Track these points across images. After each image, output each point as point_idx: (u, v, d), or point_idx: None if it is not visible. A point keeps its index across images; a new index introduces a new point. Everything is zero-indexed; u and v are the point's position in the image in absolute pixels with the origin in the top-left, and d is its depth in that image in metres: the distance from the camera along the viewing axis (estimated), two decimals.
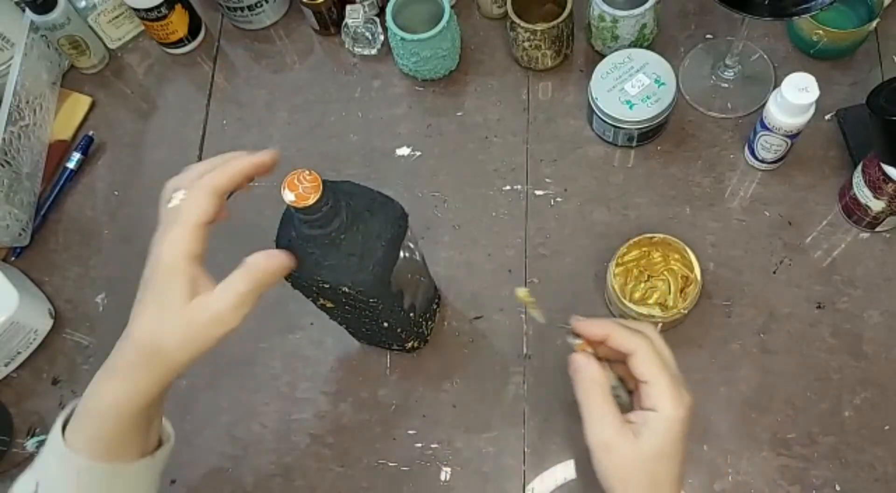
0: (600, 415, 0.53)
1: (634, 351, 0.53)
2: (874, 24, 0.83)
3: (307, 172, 0.52)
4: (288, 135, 0.93)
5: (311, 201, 0.52)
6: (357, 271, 0.57)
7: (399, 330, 0.72)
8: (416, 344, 0.78)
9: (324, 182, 0.53)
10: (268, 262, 0.53)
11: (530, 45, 0.87)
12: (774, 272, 0.80)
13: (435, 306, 0.80)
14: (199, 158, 0.92)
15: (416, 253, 0.69)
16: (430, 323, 0.79)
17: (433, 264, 0.81)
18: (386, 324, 0.68)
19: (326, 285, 0.58)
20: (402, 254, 0.62)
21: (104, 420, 0.53)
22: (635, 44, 0.87)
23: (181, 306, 0.50)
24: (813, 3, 0.70)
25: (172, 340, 0.51)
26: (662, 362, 0.54)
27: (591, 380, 0.54)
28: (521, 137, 0.89)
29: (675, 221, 0.83)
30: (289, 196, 0.51)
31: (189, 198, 0.52)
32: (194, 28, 0.98)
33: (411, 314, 0.71)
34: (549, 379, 0.78)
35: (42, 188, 0.93)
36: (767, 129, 0.77)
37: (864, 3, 0.86)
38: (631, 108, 0.81)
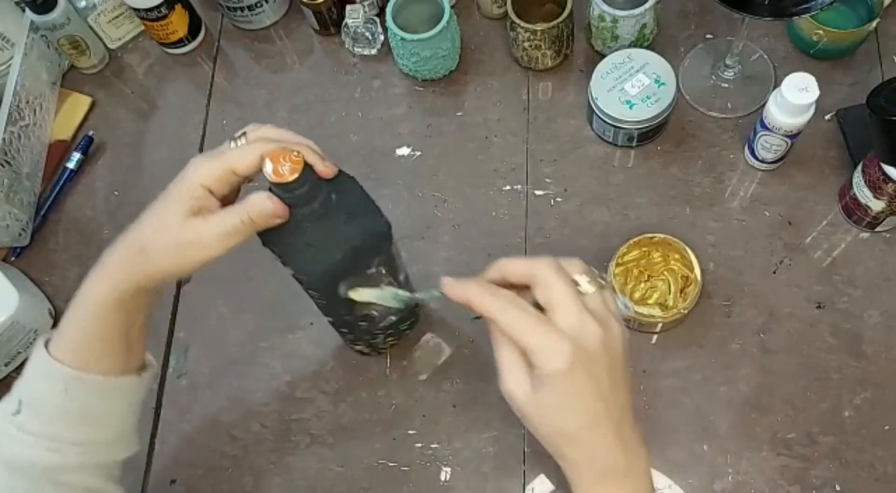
0: (506, 366, 0.51)
1: (494, 320, 0.50)
2: (874, 24, 0.83)
3: (295, 153, 0.52)
4: None
5: (285, 180, 0.52)
6: (307, 261, 0.57)
7: (344, 330, 0.71)
8: (365, 350, 0.78)
9: (307, 167, 0.53)
10: (264, 202, 0.54)
11: (530, 45, 0.87)
12: (774, 272, 0.80)
13: (404, 328, 0.79)
14: None
15: (395, 276, 0.66)
16: (389, 339, 0.78)
17: (433, 264, 0.81)
18: (328, 319, 0.68)
19: (279, 259, 0.58)
20: (372, 270, 0.61)
21: (85, 319, 0.56)
22: (635, 44, 0.87)
23: (178, 222, 0.54)
24: (813, 2, 0.70)
25: (159, 248, 0.55)
26: (525, 320, 0.49)
27: (499, 332, 0.52)
28: (521, 137, 0.89)
29: (675, 221, 0.83)
30: (267, 167, 0.52)
31: (243, 148, 0.55)
32: (194, 28, 0.97)
33: (363, 323, 0.70)
34: None
35: (42, 188, 0.93)
36: (767, 129, 0.77)
37: (863, 3, 0.86)
38: (631, 108, 0.81)
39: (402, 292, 0.60)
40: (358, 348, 0.77)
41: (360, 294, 0.62)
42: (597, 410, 0.50)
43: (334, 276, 0.60)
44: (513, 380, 0.51)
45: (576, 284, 0.51)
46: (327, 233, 0.57)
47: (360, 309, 0.67)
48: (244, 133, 0.57)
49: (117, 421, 0.60)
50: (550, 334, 0.49)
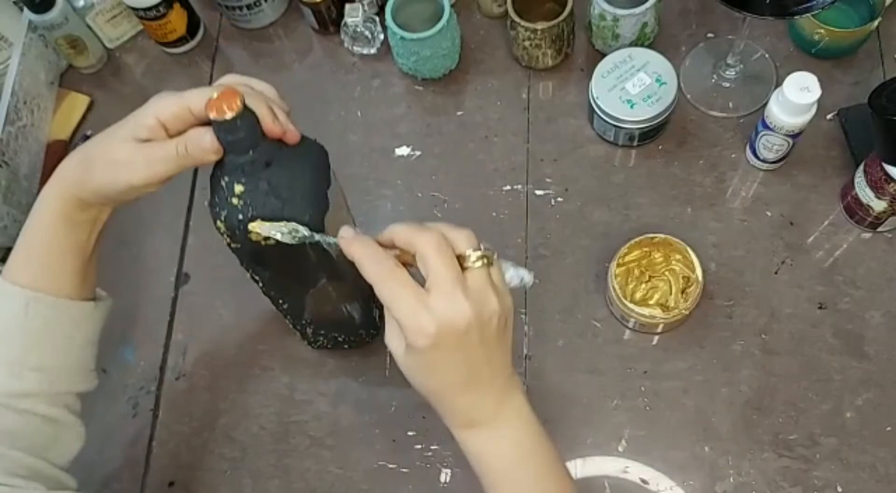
0: (390, 323, 0.53)
1: (375, 288, 0.51)
2: (876, 23, 0.83)
3: (239, 100, 0.52)
4: None
5: (219, 117, 0.52)
6: (218, 202, 0.57)
7: (272, 295, 0.70)
8: (298, 331, 0.77)
9: (248, 115, 0.52)
10: (202, 136, 0.55)
11: (531, 45, 0.87)
12: (776, 273, 0.80)
13: (341, 337, 0.78)
14: None
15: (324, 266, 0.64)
16: (320, 338, 0.77)
17: None
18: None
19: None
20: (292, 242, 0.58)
21: (36, 233, 0.61)
22: (636, 43, 0.87)
23: (121, 142, 0.57)
24: (814, 2, 0.69)
25: (97, 162, 0.58)
26: (399, 295, 0.50)
27: None
28: (521, 137, 0.89)
29: (676, 222, 0.83)
30: (213, 95, 0.52)
31: (203, 88, 0.56)
32: (193, 27, 0.97)
33: (288, 309, 0.70)
34: (549, 380, 0.78)
35: (40, 189, 0.92)
36: (769, 128, 0.77)
37: (865, 3, 0.85)
38: (632, 107, 0.81)
39: (302, 229, 0.57)
40: (295, 329, 0.76)
41: (260, 227, 0.58)
42: (460, 376, 0.52)
43: (235, 228, 0.58)
44: (392, 337, 0.53)
45: (463, 259, 0.52)
46: (246, 192, 0.56)
47: (270, 257, 0.64)
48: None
49: (75, 349, 0.62)
50: (418, 314, 0.50)
